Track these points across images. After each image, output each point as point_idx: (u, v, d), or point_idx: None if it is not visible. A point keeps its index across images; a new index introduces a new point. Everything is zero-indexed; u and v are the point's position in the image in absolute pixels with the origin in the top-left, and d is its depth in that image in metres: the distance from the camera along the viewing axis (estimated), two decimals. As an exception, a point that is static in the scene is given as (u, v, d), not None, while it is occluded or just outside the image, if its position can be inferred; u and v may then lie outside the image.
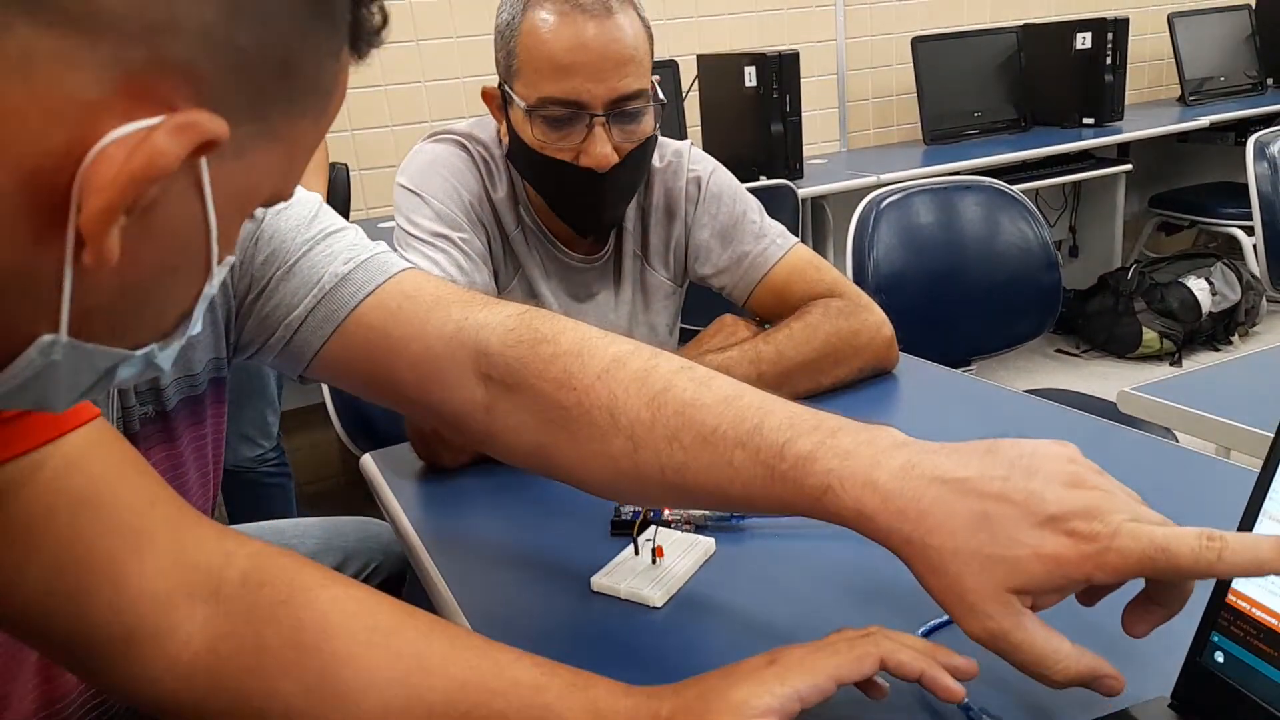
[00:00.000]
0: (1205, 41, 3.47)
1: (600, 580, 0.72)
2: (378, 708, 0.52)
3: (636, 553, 0.74)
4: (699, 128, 2.83)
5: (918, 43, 3.04)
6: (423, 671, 0.52)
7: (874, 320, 1.09)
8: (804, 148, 2.68)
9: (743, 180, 1.22)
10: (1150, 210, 3.58)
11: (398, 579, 1.07)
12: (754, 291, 1.15)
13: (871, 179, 2.59)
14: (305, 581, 0.55)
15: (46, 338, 0.35)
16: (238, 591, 0.54)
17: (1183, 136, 3.25)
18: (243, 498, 1.95)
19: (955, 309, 1.81)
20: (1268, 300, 3.34)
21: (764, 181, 2.38)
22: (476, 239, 1.07)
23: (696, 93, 2.82)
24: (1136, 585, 0.67)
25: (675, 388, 0.60)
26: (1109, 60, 3.03)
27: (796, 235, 1.19)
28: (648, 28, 1.01)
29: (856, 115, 3.30)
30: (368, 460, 1.02)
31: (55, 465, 0.51)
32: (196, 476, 0.77)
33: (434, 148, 1.10)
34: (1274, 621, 0.49)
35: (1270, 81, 3.57)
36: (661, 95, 1.04)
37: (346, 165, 2.12)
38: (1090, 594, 0.53)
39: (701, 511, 0.80)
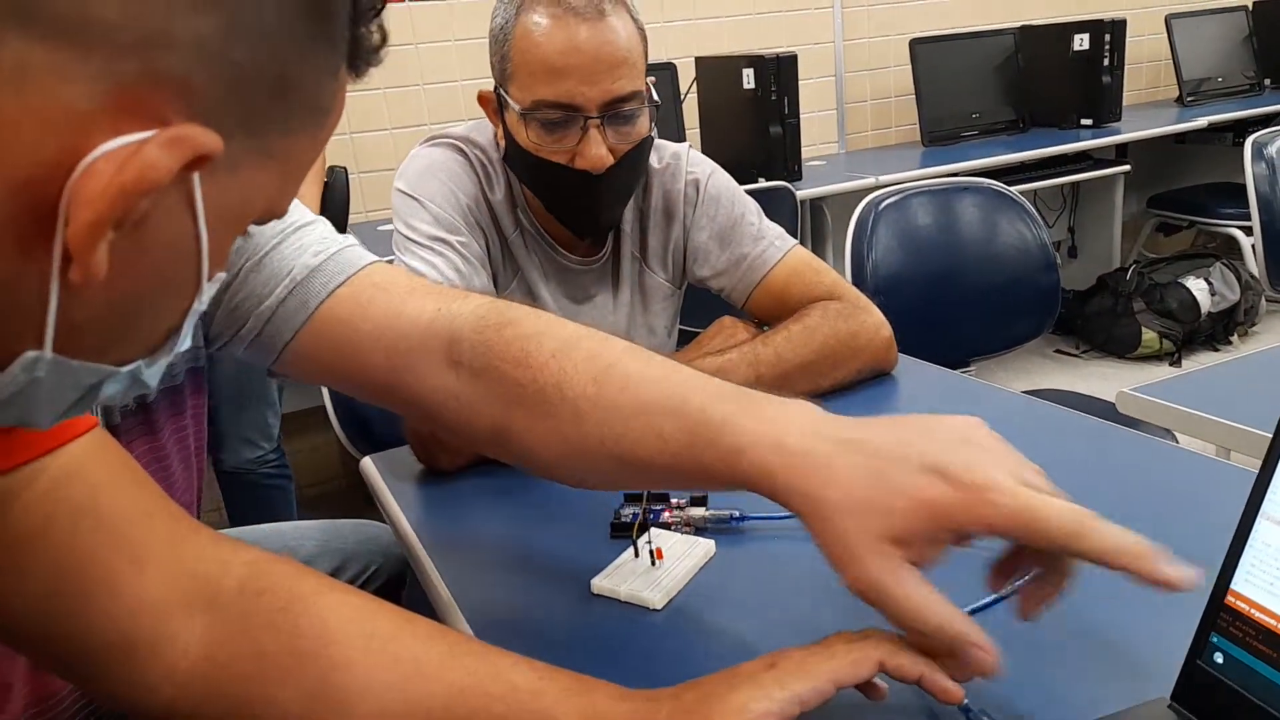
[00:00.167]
0: (1203, 42, 3.47)
1: (600, 582, 0.72)
2: (376, 714, 0.52)
3: (636, 555, 0.74)
4: (697, 130, 2.83)
5: (916, 44, 3.04)
6: (421, 677, 0.52)
7: (873, 322, 1.09)
8: (802, 149, 2.68)
9: (741, 182, 1.22)
10: (1149, 211, 3.59)
11: (398, 581, 1.07)
12: (752, 294, 1.15)
13: (870, 180, 2.59)
14: (303, 588, 0.55)
15: (30, 354, 0.34)
16: (235, 599, 0.54)
17: (1181, 137, 3.26)
18: (243, 500, 1.96)
19: (954, 310, 1.81)
20: (1267, 300, 3.34)
21: (762, 183, 2.38)
22: (475, 242, 1.07)
23: (695, 95, 2.82)
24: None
25: (620, 364, 0.62)
26: (1107, 61, 3.03)
27: (795, 237, 1.19)
28: (641, 29, 1.02)
29: (855, 117, 3.30)
30: (367, 463, 1.02)
31: (54, 475, 0.51)
32: (180, 468, 0.77)
33: (431, 152, 1.10)
34: (1273, 623, 0.49)
35: (1268, 82, 3.58)
36: (656, 97, 1.04)
37: (345, 169, 2.12)
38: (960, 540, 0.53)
39: (701, 513, 0.80)
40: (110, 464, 0.54)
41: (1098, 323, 3.25)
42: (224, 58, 0.33)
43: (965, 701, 0.52)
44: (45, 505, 0.50)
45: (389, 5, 0.41)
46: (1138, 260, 3.43)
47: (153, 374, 0.41)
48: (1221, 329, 3.23)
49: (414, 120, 2.61)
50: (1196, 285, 3.15)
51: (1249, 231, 2.34)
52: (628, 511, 0.82)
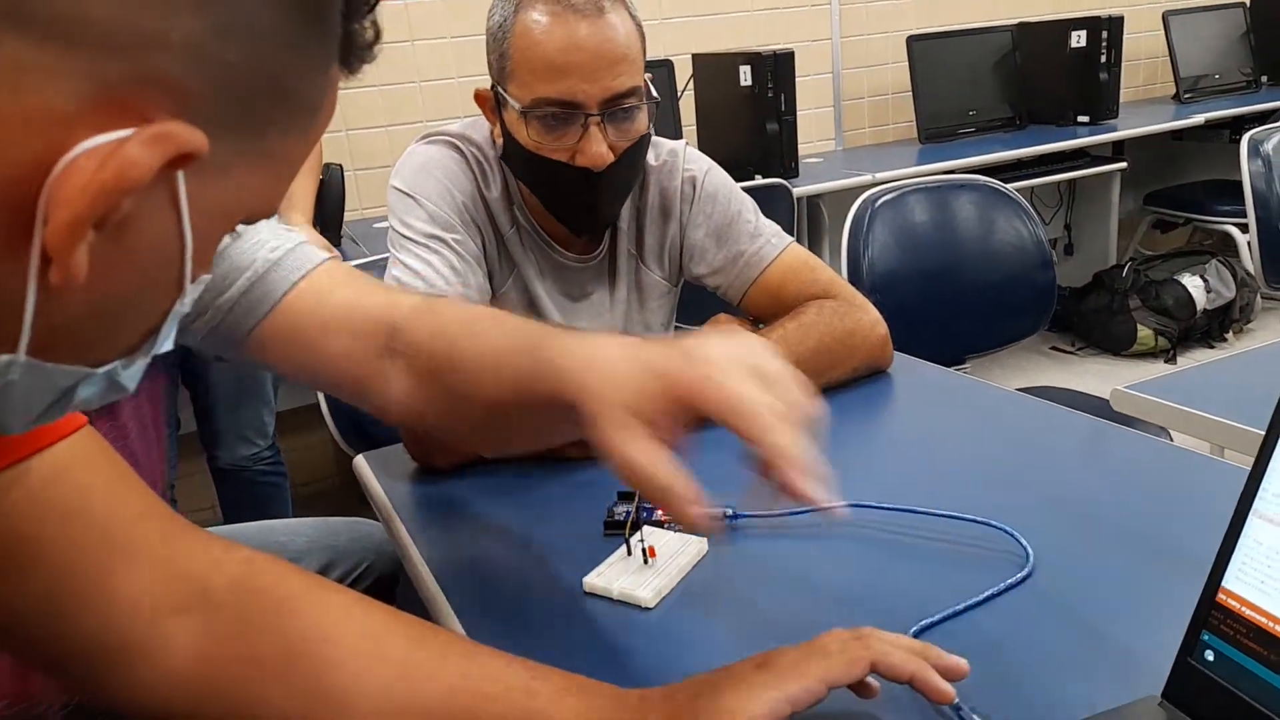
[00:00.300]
0: (1200, 39, 3.47)
1: (592, 581, 0.72)
2: (368, 714, 0.52)
3: (629, 553, 0.74)
4: (694, 127, 2.83)
5: (913, 41, 3.04)
6: (413, 678, 0.52)
7: (868, 320, 1.09)
8: (799, 147, 2.68)
9: (738, 179, 1.22)
10: (1145, 208, 3.59)
11: (390, 579, 1.07)
12: (748, 291, 1.15)
13: (867, 178, 2.59)
14: (295, 589, 0.55)
15: (3, 358, 0.34)
16: (227, 600, 0.54)
17: (1177, 134, 3.26)
18: (238, 497, 1.96)
19: (950, 307, 1.81)
20: (1262, 297, 3.35)
21: (759, 180, 2.38)
22: (470, 240, 1.07)
23: (692, 92, 2.81)
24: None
25: (484, 318, 0.71)
26: (1104, 58, 3.03)
27: (791, 234, 1.18)
28: (639, 26, 1.01)
29: (852, 114, 3.30)
30: (360, 461, 1.02)
31: (42, 476, 0.51)
32: (141, 446, 0.78)
33: (427, 149, 1.10)
34: (1264, 620, 0.49)
35: (1264, 79, 3.58)
36: (655, 93, 1.04)
37: (341, 166, 2.12)
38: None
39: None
40: (99, 464, 0.54)
41: (1094, 320, 3.25)
42: (215, 59, 0.32)
43: (956, 700, 0.53)
44: (34, 508, 0.50)
45: (385, 2, 0.40)
46: (1134, 257, 3.44)
47: (130, 375, 0.40)
48: (1217, 326, 3.23)
49: (410, 117, 2.60)
50: (1192, 282, 3.15)
51: (1245, 229, 2.33)
52: (621, 509, 0.82)
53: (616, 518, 0.81)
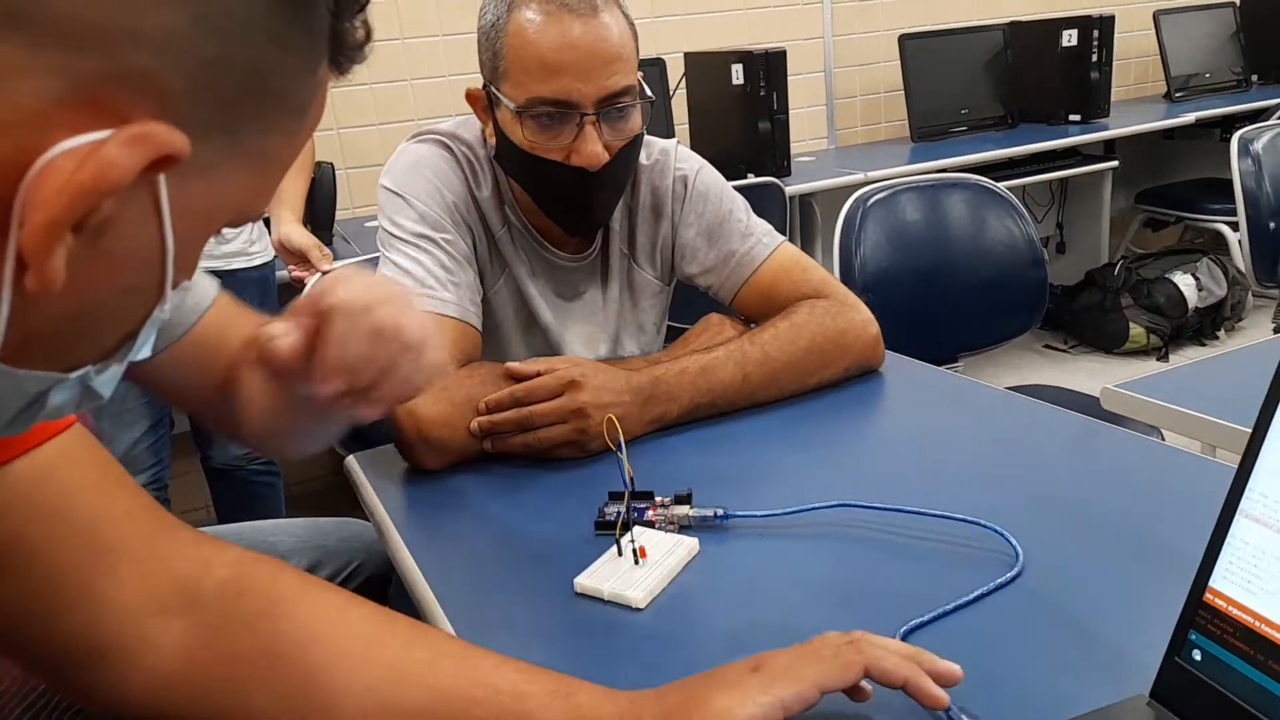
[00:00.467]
0: (1191, 38, 3.48)
1: (583, 581, 0.72)
2: (358, 716, 0.52)
3: (620, 553, 0.74)
4: (686, 125, 2.83)
5: (905, 40, 3.05)
6: (403, 681, 0.52)
7: (860, 320, 1.10)
8: (791, 145, 2.68)
9: (730, 178, 1.22)
10: (1137, 206, 3.60)
11: (380, 579, 1.06)
12: (740, 291, 1.15)
13: (859, 176, 2.59)
14: (284, 590, 0.55)
15: None
16: (215, 602, 0.54)
17: (1169, 133, 3.27)
18: (231, 497, 1.95)
19: (942, 306, 1.81)
20: (1253, 295, 3.36)
21: (752, 179, 2.38)
22: (461, 240, 1.07)
23: (684, 90, 2.81)
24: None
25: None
26: (1095, 57, 3.04)
27: (784, 233, 1.19)
28: (632, 25, 1.01)
29: (844, 112, 3.30)
30: (352, 462, 1.02)
31: (29, 476, 0.50)
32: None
33: (417, 148, 1.10)
34: (1250, 620, 0.50)
35: (1255, 78, 3.59)
36: (649, 92, 1.04)
37: (332, 164, 2.11)
38: None
39: (686, 511, 0.80)
40: (86, 465, 0.53)
41: (1086, 318, 3.26)
42: (193, 54, 0.31)
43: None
44: (20, 510, 0.50)
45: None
46: (1126, 255, 3.45)
47: (104, 382, 0.39)
48: (1209, 324, 3.24)
49: (401, 115, 2.60)
50: (1184, 280, 3.16)
51: (1236, 227, 2.34)
52: (612, 509, 0.82)
53: (608, 518, 0.81)
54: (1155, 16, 3.39)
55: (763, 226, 1.17)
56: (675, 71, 2.77)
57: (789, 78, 2.62)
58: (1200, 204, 3.35)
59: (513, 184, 1.10)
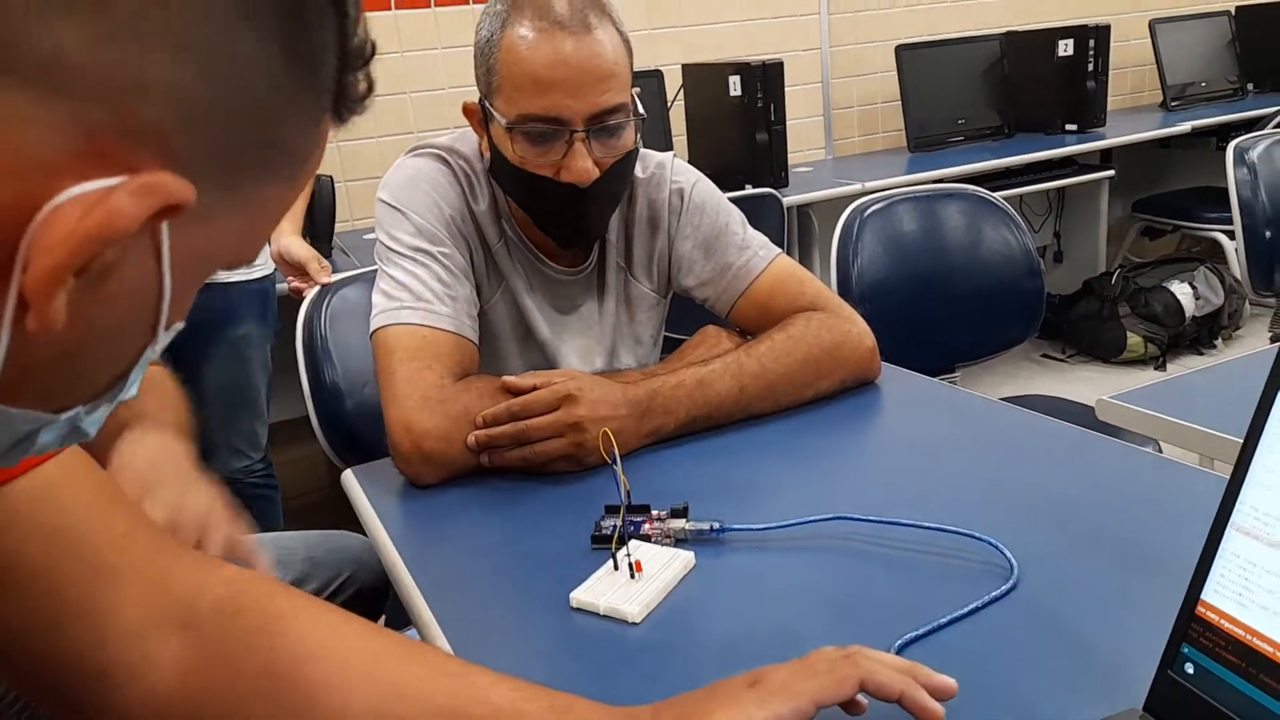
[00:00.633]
0: (1186, 48, 3.50)
1: (579, 596, 0.72)
2: None
3: (616, 568, 0.74)
4: (684, 137, 2.84)
5: (902, 51, 3.06)
6: (400, 699, 0.52)
7: (856, 332, 1.10)
8: (789, 156, 2.69)
9: (728, 189, 1.23)
10: (1133, 215, 3.61)
11: (371, 591, 1.06)
12: (737, 303, 1.15)
13: (856, 186, 2.60)
14: (281, 608, 0.55)
15: None
16: (212, 620, 0.54)
17: (1165, 142, 3.28)
18: (229, 510, 1.95)
19: (939, 316, 1.81)
20: (1250, 304, 3.36)
21: (749, 190, 2.39)
22: (458, 253, 1.07)
23: (681, 102, 2.82)
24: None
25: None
26: (1091, 67, 3.05)
27: (781, 244, 1.19)
28: (627, 41, 1.02)
29: (841, 123, 3.31)
30: (348, 476, 1.02)
31: (27, 496, 0.51)
32: None
33: (415, 162, 1.10)
34: (1242, 634, 0.50)
35: (1250, 87, 3.60)
36: (642, 109, 1.05)
37: (331, 177, 2.12)
38: None
39: (682, 525, 0.80)
40: (85, 485, 0.53)
41: (1083, 327, 3.27)
42: (200, 106, 0.32)
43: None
44: (18, 530, 0.50)
45: (375, 11, 0.39)
46: (1123, 264, 3.45)
47: (93, 422, 0.39)
48: (1206, 333, 3.25)
49: (400, 128, 2.61)
50: (1181, 289, 3.17)
51: (1233, 235, 2.35)
52: (608, 523, 0.82)
53: (604, 532, 0.81)
54: (1151, 26, 3.40)
55: (759, 239, 1.18)
56: (673, 83, 2.78)
57: (786, 89, 2.62)
58: (1197, 212, 3.35)
59: (508, 198, 1.10)
